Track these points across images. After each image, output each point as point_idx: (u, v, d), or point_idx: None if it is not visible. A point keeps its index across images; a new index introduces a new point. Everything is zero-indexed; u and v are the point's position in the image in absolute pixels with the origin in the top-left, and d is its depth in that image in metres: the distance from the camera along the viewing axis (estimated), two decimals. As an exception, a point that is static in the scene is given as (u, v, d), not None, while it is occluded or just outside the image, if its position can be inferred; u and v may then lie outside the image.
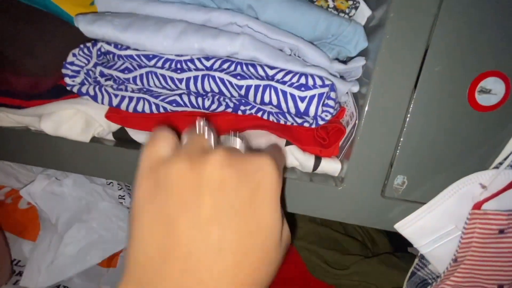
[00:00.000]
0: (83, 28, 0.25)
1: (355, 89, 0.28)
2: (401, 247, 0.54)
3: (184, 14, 0.27)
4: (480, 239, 0.26)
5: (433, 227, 0.27)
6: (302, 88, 0.23)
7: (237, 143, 0.20)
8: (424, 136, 0.27)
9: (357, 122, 0.27)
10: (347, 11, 0.28)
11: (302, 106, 0.23)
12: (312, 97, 0.23)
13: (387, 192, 0.29)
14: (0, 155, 0.35)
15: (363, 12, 0.28)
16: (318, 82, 0.23)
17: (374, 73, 0.26)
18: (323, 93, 0.23)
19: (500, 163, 0.26)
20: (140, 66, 0.27)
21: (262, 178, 0.17)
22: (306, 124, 0.25)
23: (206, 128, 0.19)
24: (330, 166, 0.31)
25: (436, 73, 0.25)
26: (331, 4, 0.28)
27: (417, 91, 0.26)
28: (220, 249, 0.16)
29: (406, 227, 0.28)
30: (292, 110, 0.24)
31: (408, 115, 0.26)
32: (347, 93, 0.29)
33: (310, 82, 0.23)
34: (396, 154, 0.27)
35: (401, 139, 0.27)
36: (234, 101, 0.26)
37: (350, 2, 0.28)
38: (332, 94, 0.24)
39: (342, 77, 0.29)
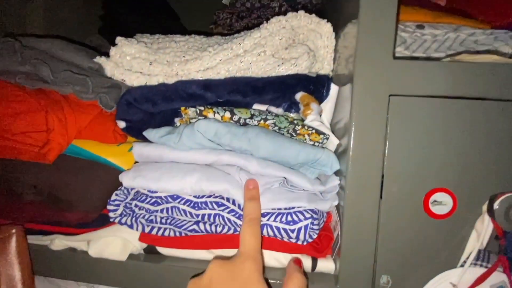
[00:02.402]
0: (126, 184, 0.34)
1: (335, 203, 0.35)
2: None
3: (199, 157, 0.36)
4: (462, 333, 0.29)
5: (421, 322, 0.31)
6: (291, 223, 0.30)
7: None
8: (395, 241, 0.32)
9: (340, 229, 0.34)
10: (321, 141, 0.37)
11: (293, 235, 0.31)
12: (299, 229, 0.30)
13: (377, 290, 0.33)
14: (51, 273, 0.42)
15: (333, 142, 0.37)
16: (301, 217, 0.31)
17: (346, 190, 0.33)
18: (308, 223, 0.30)
19: (465, 261, 0.31)
20: (167, 202, 0.35)
21: (247, 273, 0.27)
22: (299, 242, 0.32)
23: None
24: (326, 265, 0.36)
25: (395, 191, 0.32)
26: (307, 138, 0.37)
27: (382, 202, 0.32)
28: None
29: (398, 322, 0.32)
30: (286, 238, 0.31)
31: (380, 222, 0.32)
32: (329, 205, 0.36)
33: (296, 218, 0.31)
34: (376, 257, 0.33)
35: (378, 243, 0.33)
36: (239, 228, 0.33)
37: (322, 136, 0.37)
38: (316, 222, 0.31)
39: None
